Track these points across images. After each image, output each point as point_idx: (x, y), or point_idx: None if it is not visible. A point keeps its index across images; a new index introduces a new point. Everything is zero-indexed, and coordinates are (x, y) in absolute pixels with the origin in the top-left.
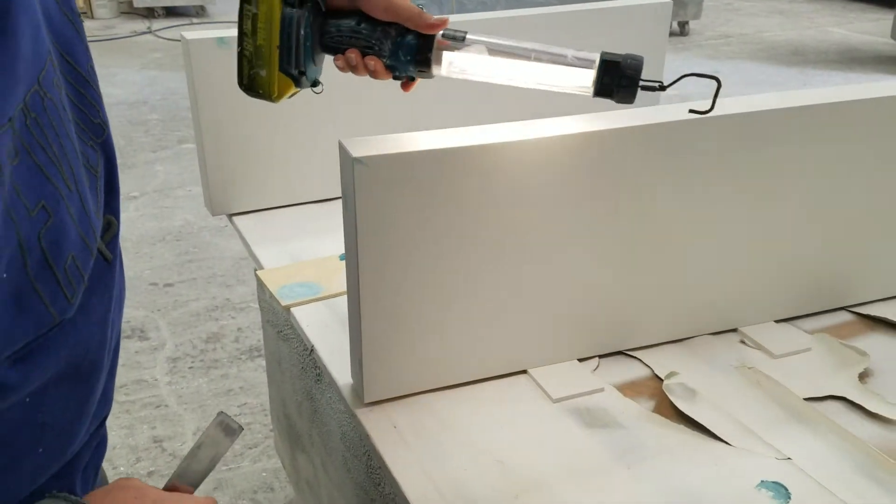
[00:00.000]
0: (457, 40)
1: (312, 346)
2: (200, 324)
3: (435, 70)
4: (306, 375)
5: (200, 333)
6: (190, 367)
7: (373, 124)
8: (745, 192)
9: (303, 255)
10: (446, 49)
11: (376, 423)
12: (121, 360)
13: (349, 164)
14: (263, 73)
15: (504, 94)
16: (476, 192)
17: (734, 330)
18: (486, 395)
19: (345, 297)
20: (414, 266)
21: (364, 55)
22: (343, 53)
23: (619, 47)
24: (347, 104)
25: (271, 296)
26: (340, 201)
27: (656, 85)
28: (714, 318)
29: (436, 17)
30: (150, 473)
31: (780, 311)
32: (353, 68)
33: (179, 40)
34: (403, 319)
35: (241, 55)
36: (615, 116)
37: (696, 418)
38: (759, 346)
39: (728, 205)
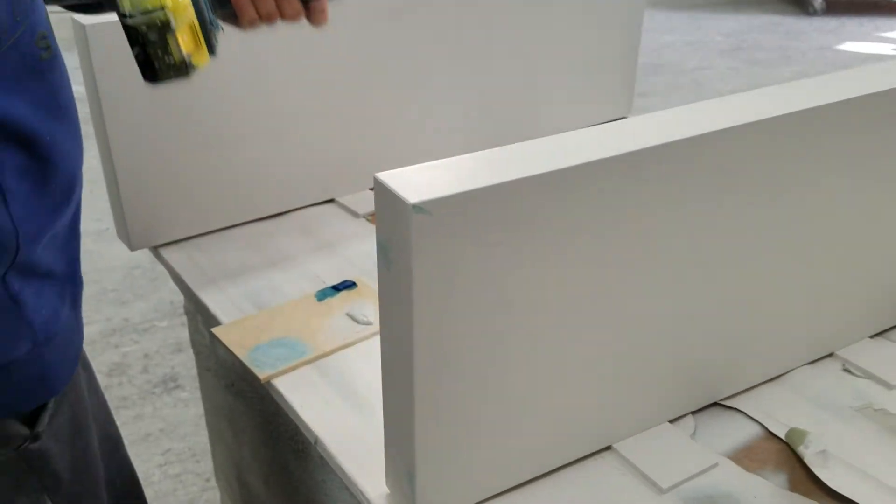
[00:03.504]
0: None
1: (317, 438)
2: (98, 353)
3: None
4: (280, 445)
5: (100, 365)
6: None
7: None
8: (841, 190)
9: (264, 296)
10: None
11: None
12: None
13: (403, 213)
14: (178, 45)
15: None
16: (566, 228)
17: (830, 355)
18: (571, 489)
19: (338, 356)
20: (482, 339)
21: None
22: None
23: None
24: (290, 92)
25: (224, 349)
26: (290, 215)
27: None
28: (809, 344)
29: None
30: None
31: (873, 324)
32: (260, 13)
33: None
34: (468, 411)
35: (146, 42)
36: (702, 118)
37: (852, 498)
38: (868, 375)
39: (826, 207)
